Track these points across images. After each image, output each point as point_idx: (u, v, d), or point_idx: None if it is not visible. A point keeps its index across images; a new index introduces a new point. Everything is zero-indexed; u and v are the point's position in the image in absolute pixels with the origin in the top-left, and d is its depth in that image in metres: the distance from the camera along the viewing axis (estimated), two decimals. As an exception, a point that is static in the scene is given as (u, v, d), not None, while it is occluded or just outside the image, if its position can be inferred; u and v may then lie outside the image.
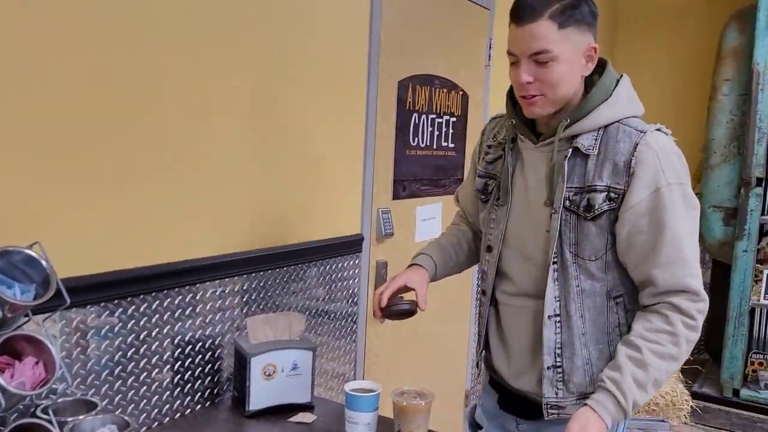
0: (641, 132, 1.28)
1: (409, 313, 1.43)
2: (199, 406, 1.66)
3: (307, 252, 1.98)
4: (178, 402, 1.60)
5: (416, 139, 2.45)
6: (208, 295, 1.65)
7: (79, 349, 1.37)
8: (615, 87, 1.33)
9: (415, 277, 1.47)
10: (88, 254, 1.38)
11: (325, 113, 2.00)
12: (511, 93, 1.40)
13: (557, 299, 1.32)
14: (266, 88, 1.78)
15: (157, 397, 1.55)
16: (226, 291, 1.71)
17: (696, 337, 1.26)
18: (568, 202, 1.29)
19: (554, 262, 1.31)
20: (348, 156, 2.14)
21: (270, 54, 1.77)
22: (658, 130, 1.30)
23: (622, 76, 1.37)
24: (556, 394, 1.34)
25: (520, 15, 1.25)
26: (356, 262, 2.20)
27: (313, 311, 2.04)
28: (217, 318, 1.69)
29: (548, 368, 1.33)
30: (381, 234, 2.30)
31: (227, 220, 1.71)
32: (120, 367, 1.45)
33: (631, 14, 4.43)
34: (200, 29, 1.56)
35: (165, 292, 1.54)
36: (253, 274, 1.79)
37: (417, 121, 2.43)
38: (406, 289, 1.45)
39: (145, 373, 1.51)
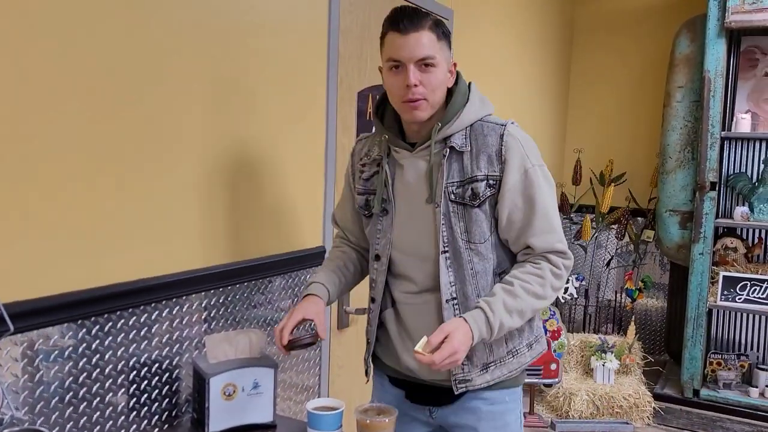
0: (502, 125, 1.47)
1: (312, 344, 1.51)
2: (156, 429, 1.61)
3: (268, 266, 1.94)
4: (134, 427, 1.55)
5: (377, 149, 2.43)
6: (164, 315, 1.60)
7: (26, 375, 1.31)
8: (469, 93, 1.50)
9: (311, 308, 1.54)
10: (32, 277, 1.32)
11: (283, 125, 1.98)
12: (376, 111, 1.57)
13: (452, 284, 1.47)
14: (221, 99, 1.74)
15: (111, 422, 1.49)
16: (183, 309, 1.66)
17: (560, 285, 1.48)
18: (453, 195, 1.45)
19: (444, 252, 1.46)
20: (308, 168, 2.11)
21: (225, 66, 1.74)
22: (512, 123, 1.50)
23: (471, 82, 1.54)
24: (463, 369, 1.48)
25: (404, 25, 1.40)
26: (318, 275, 2.17)
27: (273, 326, 1.99)
28: (174, 338, 1.64)
29: None
30: (343, 246, 2.28)
31: (183, 237, 1.67)
32: (71, 393, 1.39)
33: (586, 24, 4.52)
34: (150, 39, 1.52)
35: (118, 312, 1.49)
36: (212, 291, 1.75)
37: (377, 132, 2.42)
38: (304, 321, 1.51)
39: (98, 398, 1.45)
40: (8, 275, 1.25)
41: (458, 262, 1.46)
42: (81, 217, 1.40)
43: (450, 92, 1.49)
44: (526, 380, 3.48)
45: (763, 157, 3.69)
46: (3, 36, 1.23)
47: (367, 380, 1.67)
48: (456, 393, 1.50)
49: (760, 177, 3.60)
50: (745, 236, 3.78)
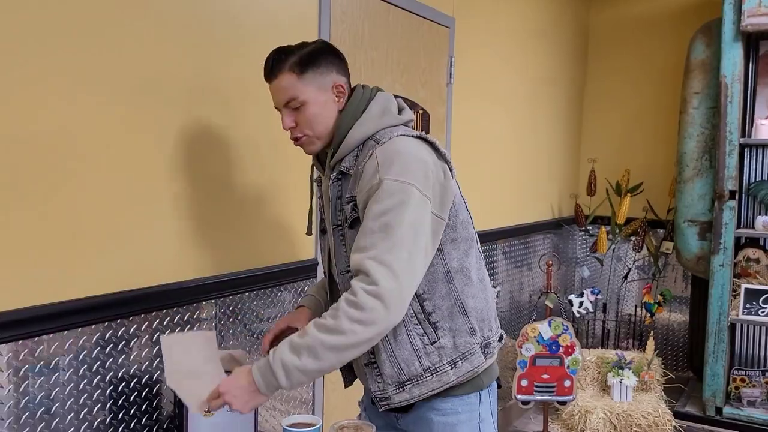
0: (377, 143, 1.36)
1: None
2: (136, 446, 1.57)
3: (258, 279, 1.91)
4: (112, 443, 1.52)
5: (374, 160, 2.39)
6: (144, 328, 1.58)
7: (11, 386, 1.29)
8: (366, 106, 1.43)
9: (298, 317, 1.58)
10: (9, 289, 1.30)
11: (275, 138, 1.95)
12: None
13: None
14: (214, 108, 1.72)
15: (88, 438, 1.46)
16: (164, 323, 1.63)
17: (360, 316, 1.23)
18: (338, 219, 1.44)
19: (345, 272, 1.43)
20: (300, 180, 2.08)
21: (216, 76, 1.72)
22: (403, 135, 1.37)
23: (378, 92, 1.47)
24: (378, 387, 1.44)
25: (266, 73, 1.43)
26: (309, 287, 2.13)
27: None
28: (154, 352, 1.61)
29: (365, 365, 1.45)
30: (338, 258, 2.23)
31: (167, 248, 1.64)
32: (43, 408, 1.37)
33: (601, 30, 4.44)
34: (137, 47, 1.51)
35: (106, 323, 1.47)
36: (198, 304, 1.72)
37: (375, 142, 2.38)
38: (290, 329, 1.53)
39: (72, 414, 1.42)
40: (-27, 288, 1.23)
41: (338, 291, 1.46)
42: (63, 227, 1.39)
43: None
44: (539, 398, 3.39)
45: (785, 164, 3.55)
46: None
47: (345, 387, 1.63)
48: (380, 410, 1.48)
49: (782, 185, 3.46)
50: (767, 247, 3.63)
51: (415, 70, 2.58)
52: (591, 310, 3.84)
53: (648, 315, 3.97)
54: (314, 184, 1.62)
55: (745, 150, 3.61)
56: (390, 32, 2.41)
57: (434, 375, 1.41)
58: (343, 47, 2.17)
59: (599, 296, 3.92)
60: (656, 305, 3.91)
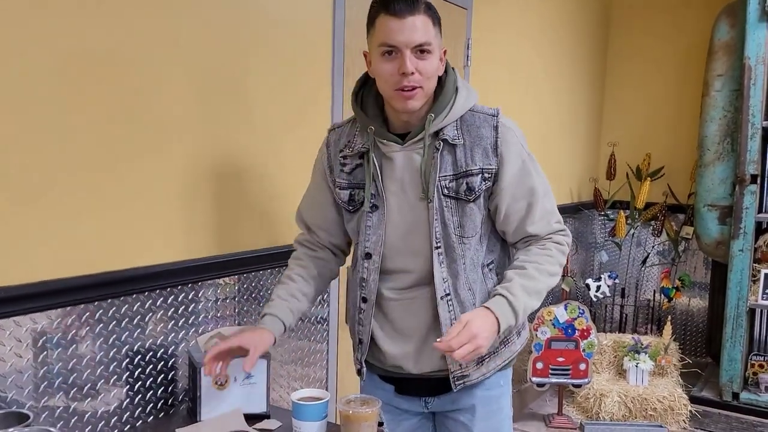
0: (493, 116, 1.44)
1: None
2: (151, 417, 1.62)
3: (271, 258, 1.94)
4: (128, 414, 1.57)
5: (389, 141, 2.40)
6: (159, 303, 1.62)
7: (15, 359, 1.34)
8: (456, 80, 1.45)
9: (253, 338, 1.42)
10: (30, 260, 1.35)
11: (287, 117, 1.97)
12: (355, 99, 1.49)
13: (445, 280, 1.43)
14: (219, 92, 1.74)
15: (104, 408, 1.51)
16: (179, 299, 1.67)
17: (563, 260, 1.48)
18: (446, 190, 1.41)
19: (437, 248, 1.42)
20: (312, 162, 2.10)
21: (223, 58, 1.74)
22: (499, 111, 1.46)
23: (453, 69, 1.47)
24: (460, 366, 1.46)
25: (399, 8, 1.32)
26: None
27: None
28: (169, 327, 1.65)
29: None
30: (352, 239, 2.25)
31: (182, 226, 1.68)
32: (61, 378, 1.42)
33: (623, 12, 4.36)
34: (143, 27, 1.54)
35: (122, 298, 1.52)
36: (213, 281, 1.75)
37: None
38: (240, 350, 1.41)
39: (88, 385, 1.47)
40: (2, 259, 1.28)
41: (450, 257, 1.43)
42: (75, 203, 1.43)
43: (440, 82, 1.43)
44: (555, 380, 3.40)
45: (809, 148, 3.48)
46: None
47: (362, 379, 1.63)
48: (455, 390, 1.50)
49: (805, 169, 3.40)
50: (790, 232, 3.58)
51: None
52: (608, 294, 3.82)
53: (666, 300, 3.94)
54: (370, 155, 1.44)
55: (768, 133, 3.54)
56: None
57: (506, 346, 1.53)
58: (358, 28, 2.18)
59: (617, 281, 3.91)
60: (674, 290, 3.88)
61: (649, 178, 4.06)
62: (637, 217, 4.09)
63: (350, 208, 1.51)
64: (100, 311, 1.48)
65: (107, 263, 1.50)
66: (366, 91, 1.49)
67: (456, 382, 1.48)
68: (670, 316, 3.84)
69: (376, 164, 1.44)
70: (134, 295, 1.56)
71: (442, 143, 1.40)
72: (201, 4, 1.66)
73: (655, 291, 4.19)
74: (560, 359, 3.38)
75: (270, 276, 1.95)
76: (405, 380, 1.55)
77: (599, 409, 3.41)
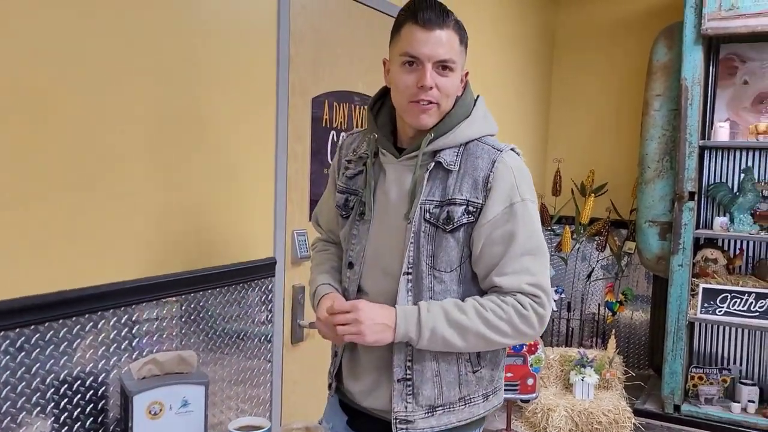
0: (498, 150, 1.33)
1: None
2: (80, 450, 1.52)
3: (215, 277, 1.87)
4: (54, 447, 1.46)
5: (335, 157, 2.37)
6: (89, 329, 1.53)
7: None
8: (473, 107, 1.37)
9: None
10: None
11: (230, 132, 1.91)
12: (372, 106, 1.44)
13: None
14: (168, 103, 1.67)
15: (27, 442, 1.41)
16: (111, 324, 1.58)
17: (526, 329, 1.30)
18: (428, 214, 1.31)
19: (407, 273, 1.32)
20: (258, 177, 2.04)
21: (166, 69, 1.67)
22: (512, 149, 1.36)
23: (478, 96, 1.41)
24: (405, 407, 1.33)
25: (428, 19, 1.26)
26: (269, 287, 2.10)
27: (225, 340, 1.92)
28: (100, 353, 1.56)
29: (398, 381, 1.33)
30: (297, 257, 2.20)
31: (120, 244, 1.59)
32: (-23, 413, 1.31)
33: (567, 31, 4.47)
34: (97, 37, 1.46)
35: (47, 324, 1.42)
36: (149, 303, 1.67)
37: (336, 140, 2.35)
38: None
39: (8, 418, 1.37)
40: None
41: (418, 287, 1.32)
42: (6, 224, 1.33)
43: (456, 103, 1.36)
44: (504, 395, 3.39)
45: (742, 166, 3.62)
46: None
47: (330, 394, 1.54)
48: None
49: (739, 186, 3.53)
50: (725, 247, 3.70)
51: (380, 68, 2.55)
52: (554, 308, 3.87)
53: (610, 314, 4.01)
54: (369, 162, 1.40)
55: (705, 152, 3.66)
56: (354, 29, 2.39)
57: (467, 405, 1.38)
58: (304, 43, 2.14)
59: (563, 295, 3.96)
60: (618, 304, 3.96)
61: (593, 194, 4.15)
62: (582, 232, 4.17)
63: (343, 213, 1.47)
64: (22, 338, 1.38)
65: (29, 287, 1.40)
66: (385, 100, 1.44)
67: (398, 425, 1.33)
68: (614, 330, 3.91)
69: (372, 174, 1.40)
70: (60, 321, 1.46)
71: (433, 165, 1.32)
72: (141, 28, 1.59)
73: (599, 305, 4.27)
74: (508, 374, 3.38)
75: (217, 296, 1.87)
76: (357, 413, 1.47)
77: (547, 424, 3.42)
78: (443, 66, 1.28)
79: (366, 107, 1.50)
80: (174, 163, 1.74)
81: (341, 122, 2.36)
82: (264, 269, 2.07)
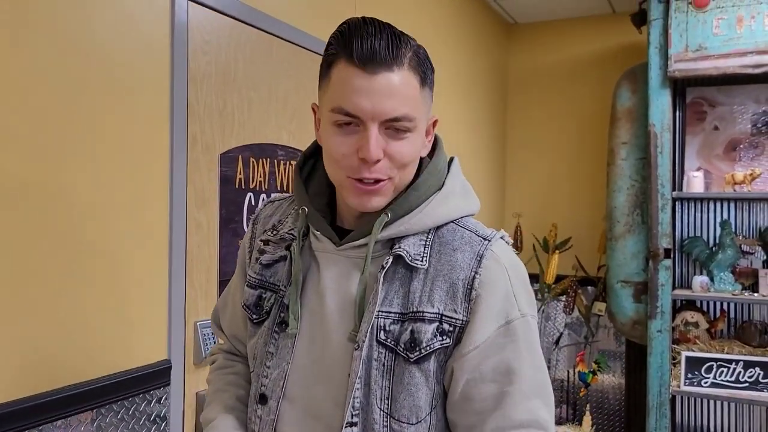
0: (485, 239, 0.92)
1: None
2: None
3: (86, 396, 1.38)
4: None
5: (254, 225, 1.92)
6: None
7: None
8: (447, 172, 0.98)
9: None
10: None
11: (107, 196, 1.45)
12: (301, 166, 1.00)
13: None
14: (30, 169, 1.21)
15: None
16: None
17: None
18: (383, 333, 0.88)
19: (351, 425, 0.87)
20: (147, 257, 1.57)
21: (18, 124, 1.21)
22: (501, 237, 0.95)
23: (452, 159, 1.01)
24: None
25: (370, 54, 0.84)
26: (164, 398, 1.61)
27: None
28: None
29: None
30: (201, 356, 1.72)
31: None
32: None
33: (520, 78, 4.19)
34: None
35: None
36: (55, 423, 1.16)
37: (254, 203, 1.90)
38: None
39: None
40: None
41: None
42: None
43: (420, 165, 0.96)
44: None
45: (719, 219, 3.32)
46: None
47: None
48: None
49: (717, 241, 3.21)
50: (705, 308, 3.36)
51: (309, 114, 2.14)
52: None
53: (583, 386, 3.61)
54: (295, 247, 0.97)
55: (677, 204, 3.36)
56: (273, 68, 1.97)
57: None
58: (209, 84, 1.71)
59: (529, 365, 3.54)
60: (591, 374, 3.55)
61: (557, 251, 3.79)
62: (547, 292, 3.79)
63: (254, 317, 1.01)
64: None
65: None
66: (318, 158, 1.01)
67: None
68: (588, 405, 3.50)
69: (300, 263, 0.95)
70: None
71: (391, 260, 0.90)
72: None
73: (569, 371, 3.86)
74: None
75: (112, 411, 1.37)
76: None
77: None
78: (396, 127, 0.87)
79: (293, 167, 1.07)
80: (34, 246, 1.25)
81: (260, 182, 1.92)
82: (154, 377, 1.59)
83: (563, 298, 3.83)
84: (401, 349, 0.87)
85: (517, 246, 3.83)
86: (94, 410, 1.42)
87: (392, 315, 0.89)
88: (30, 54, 1.27)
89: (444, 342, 0.87)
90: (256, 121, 1.90)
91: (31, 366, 1.31)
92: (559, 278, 3.81)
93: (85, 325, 1.42)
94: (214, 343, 1.73)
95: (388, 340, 0.88)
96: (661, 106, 3.11)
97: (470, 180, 1.03)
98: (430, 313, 0.88)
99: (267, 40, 1.93)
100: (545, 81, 4.11)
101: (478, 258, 0.89)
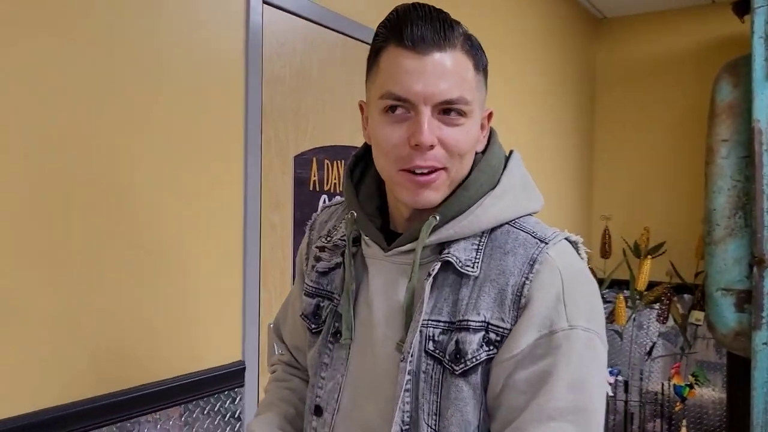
0: (541, 241, 0.83)
1: None
2: None
3: (160, 395, 1.41)
4: None
5: (329, 228, 1.91)
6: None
7: None
8: (503, 170, 0.89)
9: None
10: None
11: (189, 204, 1.48)
12: (351, 170, 0.94)
13: None
14: (105, 172, 1.25)
15: None
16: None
17: None
18: (431, 344, 0.82)
19: None
20: (223, 261, 1.59)
21: (84, 120, 1.26)
22: (563, 240, 0.85)
23: (511, 153, 0.93)
24: None
25: (421, 35, 0.79)
26: (237, 400, 1.62)
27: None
28: None
29: None
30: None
31: (32, 366, 1.15)
32: None
33: (609, 74, 3.99)
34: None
35: None
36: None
37: (329, 206, 1.89)
38: None
39: None
40: None
41: None
42: None
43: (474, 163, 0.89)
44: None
45: (834, 221, 3.01)
46: None
47: None
48: None
49: (833, 247, 2.91)
50: (819, 320, 3.06)
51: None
52: (610, 394, 3.26)
53: (679, 400, 3.38)
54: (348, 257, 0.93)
55: (785, 205, 3.08)
56: (348, 69, 1.96)
57: None
58: (284, 87, 1.72)
59: (619, 377, 3.37)
60: (687, 388, 3.32)
61: (649, 256, 3.58)
62: (638, 299, 3.58)
63: (313, 326, 0.97)
64: None
65: None
66: (369, 161, 0.95)
67: None
68: (684, 420, 3.27)
69: (353, 271, 0.91)
70: None
71: (438, 267, 0.84)
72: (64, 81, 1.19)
73: (663, 383, 3.63)
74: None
75: (170, 416, 1.40)
76: None
77: None
78: (450, 109, 0.81)
79: (344, 168, 1.02)
80: (110, 252, 1.30)
81: (334, 184, 1.91)
82: (229, 378, 1.60)
83: (657, 306, 3.61)
84: (447, 361, 0.82)
85: (605, 250, 3.65)
86: (182, 405, 1.46)
87: (441, 324, 0.83)
88: (106, 61, 1.32)
89: (491, 352, 0.81)
90: (330, 123, 1.89)
91: (121, 363, 1.35)
92: (651, 285, 3.59)
93: (161, 326, 1.45)
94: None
95: (437, 351, 0.82)
96: (766, 100, 2.87)
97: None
98: (476, 321, 0.81)
99: (341, 41, 1.92)
100: (636, 77, 3.90)
101: (531, 262, 0.81)
